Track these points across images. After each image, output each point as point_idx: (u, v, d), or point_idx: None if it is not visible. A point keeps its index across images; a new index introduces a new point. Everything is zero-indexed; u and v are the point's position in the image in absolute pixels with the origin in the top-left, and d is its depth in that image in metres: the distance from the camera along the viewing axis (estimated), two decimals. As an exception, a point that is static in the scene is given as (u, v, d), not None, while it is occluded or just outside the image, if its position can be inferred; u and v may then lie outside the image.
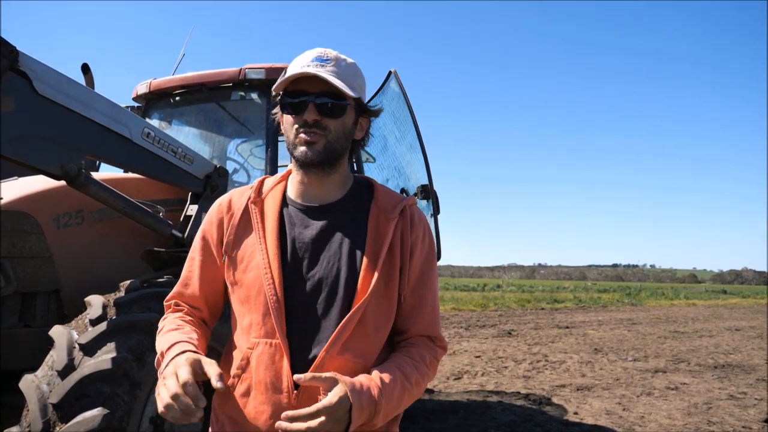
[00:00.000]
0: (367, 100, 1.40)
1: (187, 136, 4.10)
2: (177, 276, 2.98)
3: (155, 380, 2.56)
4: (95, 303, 2.61)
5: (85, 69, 3.52)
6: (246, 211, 1.37)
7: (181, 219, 3.43)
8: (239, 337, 1.33)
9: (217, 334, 2.95)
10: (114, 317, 2.53)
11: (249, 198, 1.38)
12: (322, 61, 1.28)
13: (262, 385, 1.23)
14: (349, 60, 1.34)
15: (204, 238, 1.42)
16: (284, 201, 1.38)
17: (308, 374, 1.14)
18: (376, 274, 1.27)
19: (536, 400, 6.12)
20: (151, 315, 2.54)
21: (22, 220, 2.78)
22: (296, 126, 1.28)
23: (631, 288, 45.86)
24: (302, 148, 1.27)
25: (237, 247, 1.34)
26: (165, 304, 1.47)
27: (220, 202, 1.44)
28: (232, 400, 1.28)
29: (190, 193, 3.50)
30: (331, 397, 1.11)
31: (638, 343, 11.31)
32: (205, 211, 3.39)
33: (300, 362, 1.23)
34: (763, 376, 7.99)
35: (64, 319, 2.83)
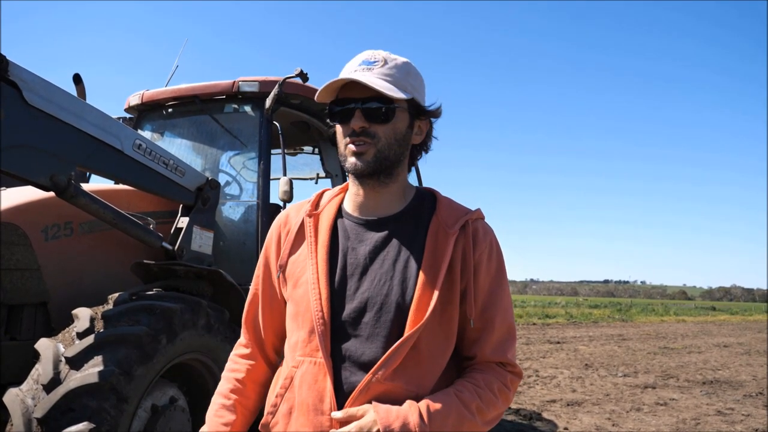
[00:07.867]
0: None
1: (179, 148, 4.09)
2: (167, 289, 2.99)
3: (142, 394, 2.52)
4: (83, 316, 2.58)
5: (77, 79, 3.52)
6: (302, 225, 1.32)
7: (172, 231, 3.41)
8: (287, 355, 1.28)
9: (207, 346, 2.92)
10: (102, 330, 2.50)
11: (306, 211, 1.33)
12: (369, 64, 1.21)
13: (305, 406, 1.17)
14: (401, 59, 1.25)
15: (265, 256, 1.38)
16: (340, 214, 1.32)
17: (343, 411, 1.11)
18: (434, 297, 1.16)
19: (527, 416, 6.09)
20: (140, 328, 2.52)
21: (9, 231, 2.75)
22: (345, 136, 1.22)
23: (622, 304, 45.93)
24: (351, 159, 1.21)
25: (291, 262, 1.30)
26: (242, 325, 1.43)
27: (279, 217, 1.40)
28: (276, 420, 1.23)
29: (181, 206, 3.49)
30: (352, 425, 1.08)
31: (628, 358, 11.33)
32: (196, 224, 3.42)
33: (345, 384, 1.16)
34: (750, 392, 8.03)
35: (51, 332, 2.79)
